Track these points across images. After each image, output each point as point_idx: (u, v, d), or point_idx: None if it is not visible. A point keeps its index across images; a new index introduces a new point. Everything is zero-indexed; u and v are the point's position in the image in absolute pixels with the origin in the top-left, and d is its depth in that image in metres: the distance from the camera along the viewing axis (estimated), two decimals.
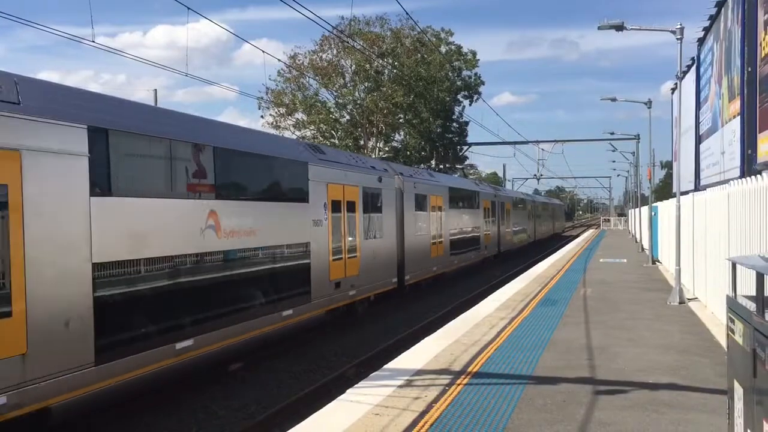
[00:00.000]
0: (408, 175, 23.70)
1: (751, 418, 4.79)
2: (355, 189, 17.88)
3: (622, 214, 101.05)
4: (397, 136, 51.77)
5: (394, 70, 45.89)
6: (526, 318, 14.18)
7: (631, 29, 19.13)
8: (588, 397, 8.22)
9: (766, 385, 4.43)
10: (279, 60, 49.18)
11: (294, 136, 45.43)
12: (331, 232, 16.20)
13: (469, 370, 9.62)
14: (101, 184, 9.04)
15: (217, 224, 11.48)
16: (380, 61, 44.96)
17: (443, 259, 26.79)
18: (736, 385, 5.27)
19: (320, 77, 46.89)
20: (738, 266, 5.74)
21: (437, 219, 26.12)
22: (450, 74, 50.58)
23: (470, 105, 54.08)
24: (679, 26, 17.73)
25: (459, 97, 53.15)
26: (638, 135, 49.43)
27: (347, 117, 48.62)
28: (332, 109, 48.33)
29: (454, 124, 54.17)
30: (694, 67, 27.87)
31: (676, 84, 29.49)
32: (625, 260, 30.57)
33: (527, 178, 78.63)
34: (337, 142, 46.78)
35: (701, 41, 25.78)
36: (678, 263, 17.15)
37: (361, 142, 47.58)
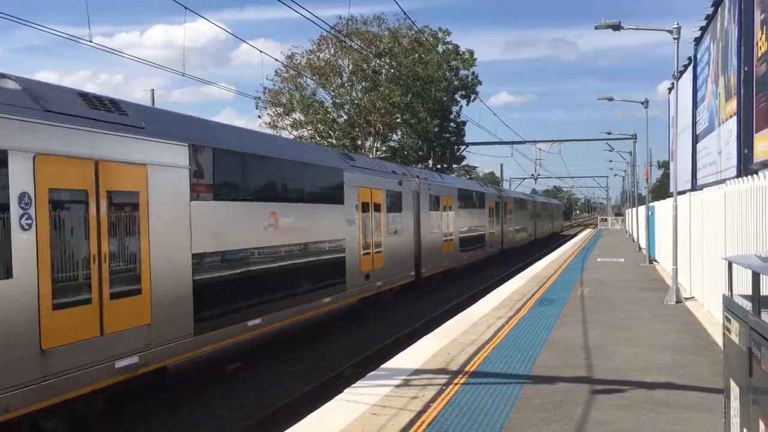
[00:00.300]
0: (423, 177, 25.50)
1: (747, 417, 4.80)
2: (380, 192, 19.85)
3: (619, 213, 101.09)
4: (394, 135, 51.74)
5: (392, 70, 45.86)
6: (524, 317, 14.21)
7: (628, 29, 19.19)
8: (585, 396, 8.24)
9: (762, 384, 4.44)
10: (276, 60, 49.01)
11: (291, 136, 45.39)
12: (362, 229, 18.20)
13: (467, 369, 9.63)
14: (198, 190, 11.15)
15: (276, 223, 13.61)
16: (377, 61, 44.91)
17: (454, 255, 28.41)
18: (733, 384, 5.28)
19: (317, 77, 46.83)
20: (734, 265, 5.75)
21: (448, 218, 27.87)
22: (447, 74, 50.50)
23: (467, 105, 54.00)
24: (676, 26, 17.73)
25: (456, 96, 53.09)
26: (635, 135, 49.75)
27: (345, 117, 48.58)
28: (330, 109, 48.29)
29: (452, 123, 54.07)
30: (691, 67, 27.90)
31: (673, 84, 29.55)
32: (622, 260, 30.62)
33: (524, 178, 78.80)
34: (334, 142, 46.73)
35: (698, 41, 25.83)
36: (675, 263, 17.18)
37: (359, 142, 47.51)
